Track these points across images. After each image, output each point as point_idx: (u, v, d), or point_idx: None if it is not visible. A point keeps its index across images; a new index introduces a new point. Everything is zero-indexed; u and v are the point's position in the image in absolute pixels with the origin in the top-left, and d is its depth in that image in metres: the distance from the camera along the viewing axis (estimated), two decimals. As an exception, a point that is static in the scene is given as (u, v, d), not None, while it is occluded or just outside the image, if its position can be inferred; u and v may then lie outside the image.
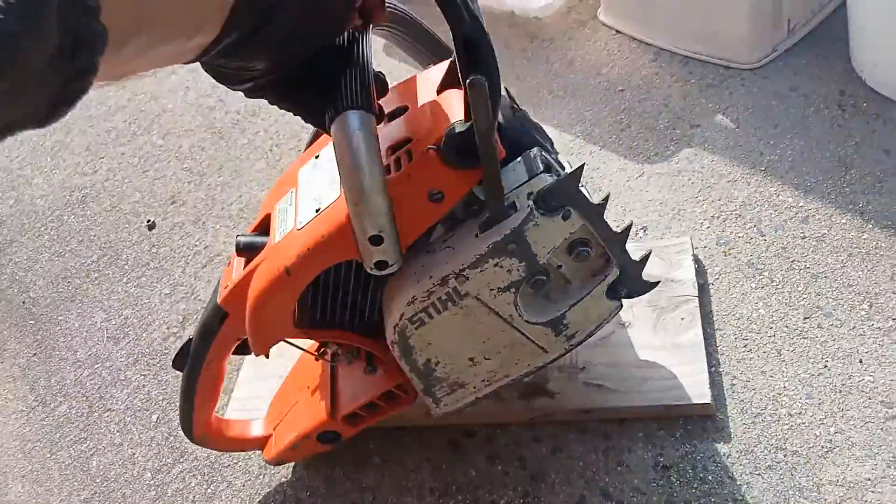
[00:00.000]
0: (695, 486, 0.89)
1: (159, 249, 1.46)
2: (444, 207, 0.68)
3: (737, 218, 1.12)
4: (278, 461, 0.99)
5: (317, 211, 0.70)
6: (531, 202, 0.69)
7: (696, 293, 1.02)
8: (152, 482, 1.11)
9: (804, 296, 1.01)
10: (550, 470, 0.95)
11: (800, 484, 0.87)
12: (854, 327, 0.96)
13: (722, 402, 0.94)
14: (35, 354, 1.36)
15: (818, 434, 0.89)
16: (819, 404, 0.91)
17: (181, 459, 1.12)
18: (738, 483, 0.88)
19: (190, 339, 0.85)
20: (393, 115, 0.73)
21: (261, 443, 0.99)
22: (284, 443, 0.95)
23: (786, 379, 0.94)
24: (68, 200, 1.65)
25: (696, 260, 1.07)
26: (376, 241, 0.65)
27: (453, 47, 0.59)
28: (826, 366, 0.94)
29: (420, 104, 0.72)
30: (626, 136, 1.29)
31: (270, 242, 0.75)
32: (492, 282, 0.72)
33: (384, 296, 0.76)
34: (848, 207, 1.07)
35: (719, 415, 0.94)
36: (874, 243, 1.03)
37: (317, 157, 0.76)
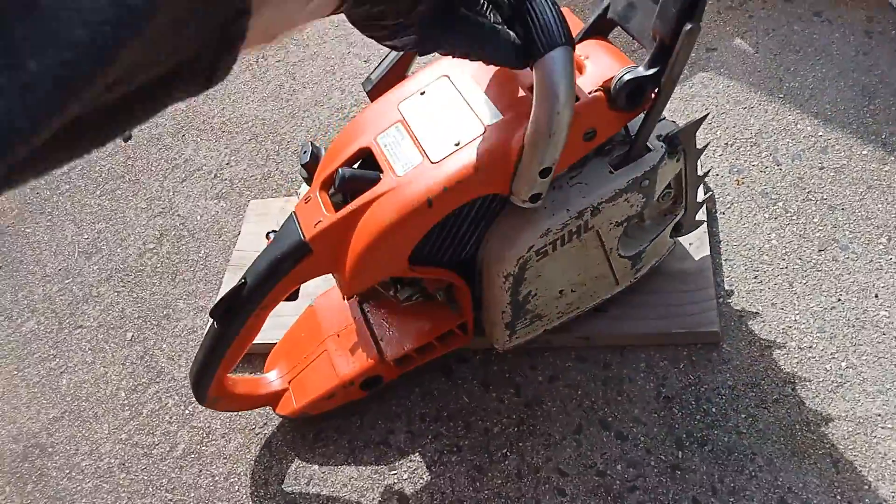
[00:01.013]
0: (697, 417, 0.86)
1: (136, 162, 1.37)
2: (591, 146, 0.72)
3: (752, 146, 1.06)
4: (301, 414, 0.91)
5: (456, 145, 0.70)
6: (662, 143, 0.76)
7: (704, 218, 0.97)
8: (126, 402, 1.05)
9: (820, 227, 0.96)
10: (547, 398, 0.91)
11: (807, 418, 0.83)
12: (871, 261, 0.92)
13: (729, 334, 0.90)
14: (0, 268, 1.28)
15: (829, 368, 0.86)
16: (831, 338, 0.87)
17: (157, 379, 1.06)
18: (743, 416, 0.85)
19: (240, 284, 0.75)
20: None
21: (273, 398, 0.91)
22: (314, 394, 0.88)
23: (797, 312, 0.90)
24: (37, 108, 1.54)
25: (705, 185, 1.01)
26: (546, 173, 0.67)
27: None
28: (840, 299, 0.90)
29: None
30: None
31: (388, 176, 0.72)
32: (614, 216, 0.77)
33: (498, 231, 0.76)
34: (870, 138, 1.02)
35: (725, 346, 0.89)
36: (895, 176, 0.98)
37: (422, 92, 0.76)
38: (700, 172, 0.84)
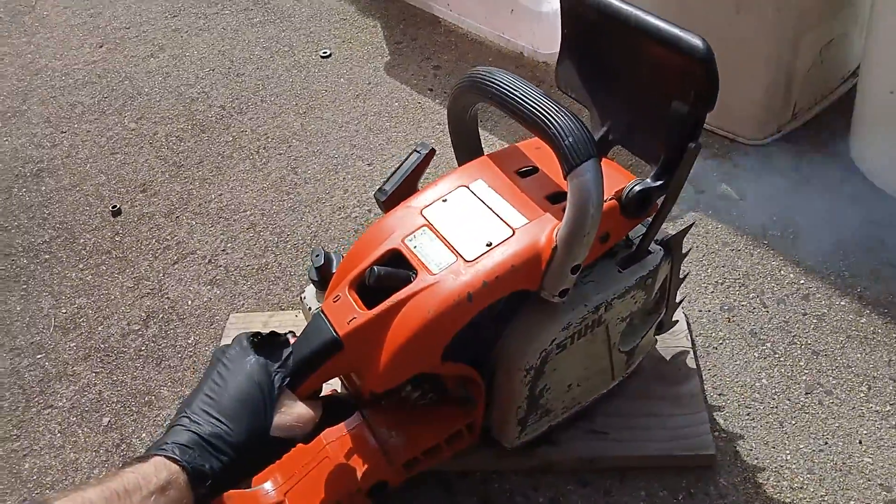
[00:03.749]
0: (697, 552, 0.87)
1: (124, 238, 1.34)
2: (606, 247, 0.80)
3: (740, 287, 1.13)
4: None
5: (488, 245, 0.77)
6: (660, 247, 0.86)
7: (689, 345, 1.03)
8: (98, 493, 0.98)
9: (805, 371, 1.02)
10: (548, 522, 0.91)
11: (801, 560, 0.86)
12: (854, 408, 0.98)
13: (725, 468, 0.93)
14: (-37, 335, 1.21)
15: (819, 511, 0.89)
16: (820, 481, 0.91)
17: (133, 471, 1.00)
18: (740, 553, 0.87)
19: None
20: (526, 173, 0.85)
21: None
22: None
23: (788, 452, 0.94)
24: (20, 172, 1.51)
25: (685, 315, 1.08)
26: (576, 270, 0.74)
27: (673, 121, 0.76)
28: (827, 443, 0.95)
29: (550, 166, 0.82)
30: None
31: (422, 275, 0.76)
32: (622, 311, 0.85)
33: (519, 327, 0.81)
34: (846, 291, 1.11)
35: (722, 480, 0.92)
36: (871, 328, 1.06)
37: (444, 200, 0.83)
38: (681, 275, 0.94)
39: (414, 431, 0.87)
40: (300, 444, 0.77)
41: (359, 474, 0.85)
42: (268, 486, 0.86)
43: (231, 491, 0.83)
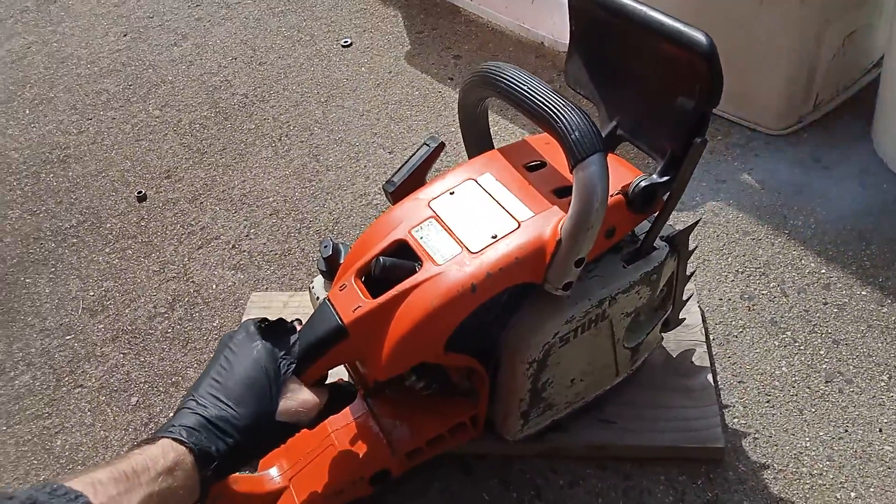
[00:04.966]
0: (715, 536, 0.88)
1: (149, 223, 1.36)
2: (611, 242, 0.80)
3: (761, 276, 1.13)
4: None
5: (493, 237, 0.77)
6: (665, 243, 0.86)
7: (703, 338, 1.03)
8: (126, 470, 1.01)
9: (826, 360, 1.03)
10: (568, 503, 0.92)
11: (819, 545, 0.87)
12: (874, 396, 0.98)
13: (745, 454, 0.94)
14: (-6, 316, 1.24)
15: (839, 497, 0.90)
16: (840, 468, 0.92)
17: (161, 449, 1.03)
18: (759, 538, 0.88)
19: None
20: (534, 167, 0.85)
21: (272, 498, 0.87)
22: (320, 490, 0.86)
23: (808, 439, 0.95)
24: (47, 158, 1.53)
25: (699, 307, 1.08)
26: (580, 263, 0.75)
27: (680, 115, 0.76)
28: (847, 430, 0.95)
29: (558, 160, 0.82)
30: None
31: (427, 265, 0.77)
32: (626, 306, 0.85)
33: (522, 320, 0.81)
34: (868, 280, 1.11)
35: (742, 466, 0.93)
36: (893, 318, 1.06)
37: (452, 192, 0.84)
38: (687, 272, 0.95)
39: (418, 422, 0.89)
40: (306, 431, 0.78)
41: (362, 462, 0.86)
42: (273, 471, 0.88)
43: (238, 475, 0.85)
